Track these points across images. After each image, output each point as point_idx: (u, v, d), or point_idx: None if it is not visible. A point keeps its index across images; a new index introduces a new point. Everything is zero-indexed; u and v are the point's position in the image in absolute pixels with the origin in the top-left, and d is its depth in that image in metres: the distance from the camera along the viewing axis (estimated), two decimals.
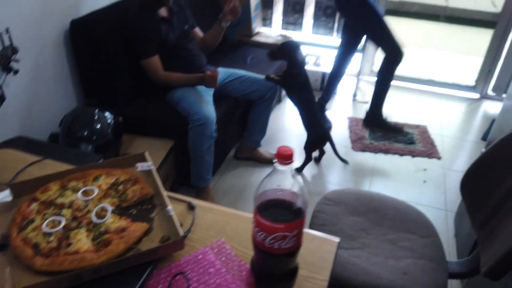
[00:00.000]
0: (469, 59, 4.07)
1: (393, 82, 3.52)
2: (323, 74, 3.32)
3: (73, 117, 1.72)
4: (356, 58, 3.23)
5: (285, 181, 0.70)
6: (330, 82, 2.86)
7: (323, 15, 3.09)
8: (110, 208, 0.87)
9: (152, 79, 2.07)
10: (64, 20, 1.88)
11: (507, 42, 3.13)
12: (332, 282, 0.83)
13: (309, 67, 3.41)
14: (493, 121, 2.40)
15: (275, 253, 0.71)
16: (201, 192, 2.06)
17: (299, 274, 0.80)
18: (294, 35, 3.18)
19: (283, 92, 3.18)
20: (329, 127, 2.77)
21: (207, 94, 2.10)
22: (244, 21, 2.95)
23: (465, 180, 1.26)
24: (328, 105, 2.93)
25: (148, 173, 1.04)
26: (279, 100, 3.17)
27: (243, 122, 2.44)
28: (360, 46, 3.06)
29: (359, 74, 3.20)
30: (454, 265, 1.23)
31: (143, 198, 0.95)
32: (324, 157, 2.57)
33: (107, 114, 1.80)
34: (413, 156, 2.63)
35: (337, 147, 2.52)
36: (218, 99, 2.18)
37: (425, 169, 2.51)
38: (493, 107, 3.23)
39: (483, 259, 1.06)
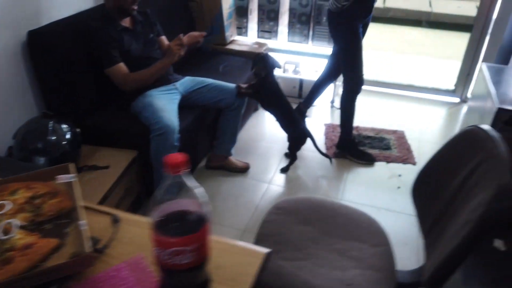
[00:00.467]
0: (451, 64, 4.05)
1: (373, 88, 3.55)
2: (301, 81, 3.30)
3: (27, 130, 1.69)
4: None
5: (182, 191, 0.67)
6: (315, 89, 2.81)
7: (298, 22, 3.07)
8: (17, 224, 0.83)
9: (121, 86, 2.02)
10: (21, 31, 1.86)
11: (484, 46, 3.11)
12: None
13: (288, 74, 3.41)
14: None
15: (174, 269, 0.67)
16: None
17: None
18: (270, 43, 3.17)
19: None
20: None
21: (172, 102, 2.06)
22: (217, 30, 2.93)
23: (415, 185, 1.22)
24: (308, 112, 2.89)
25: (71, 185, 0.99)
26: (256, 109, 3.14)
27: (214, 131, 2.40)
28: None
29: (336, 80, 3.17)
30: (404, 274, 1.19)
31: (61, 212, 0.91)
32: (298, 164, 2.54)
33: (64, 125, 1.77)
34: (388, 162, 2.60)
35: (313, 154, 2.50)
36: (185, 108, 2.15)
37: (399, 175, 2.47)
38: None
39: (426, 268, 1.02)
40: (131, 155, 1.98)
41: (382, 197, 2.30)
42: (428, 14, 5.77)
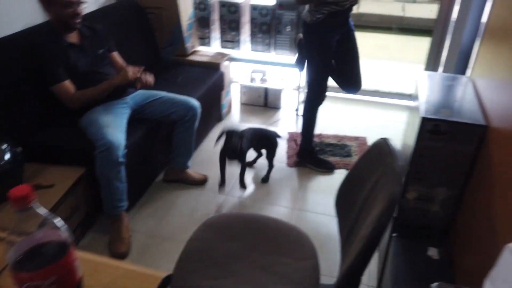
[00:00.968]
0: (418, 68, 4.08)
1: (339, 95, 3.56)
2: (266, 90, 3.31)
3: None
4: (294, 73, 3.24)
5: (36, 223, 0.65)
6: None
7: (259, 32, 3.08)
8: None
9: (66, 104, 2.01)
10: None
11: (445, 49, 3.14)
12: None
13: (255, 83, 3.41)
14: None
15: None
16: (116, 221, 1.99)
17: None
18: (233, 53, 3.17)
19: (224, 109, 3.15)
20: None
21: (120, 117, 2.05)
22: (177, 41, 2.93)
23: (336, 197, 1.22)
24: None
25: None
26: (220, 119, 3.13)
27: (170, 144, 2.38)
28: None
29: (299, 88, 3.18)
30: None
31: None
32: (258, 174, 2.53)
33: (3, 144, 1.74)
34: (348, 169, 2.58)
35: (274, 162, 2.49)
36: (136, 122, 2.14)
37: None
38: None
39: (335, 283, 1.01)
40: (78, 172, 1.96)
41: None
42: (401, 18, 5.83)
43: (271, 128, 2.69)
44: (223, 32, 3.16)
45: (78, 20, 1.98)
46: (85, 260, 0.90)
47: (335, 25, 2.24)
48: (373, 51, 5.17)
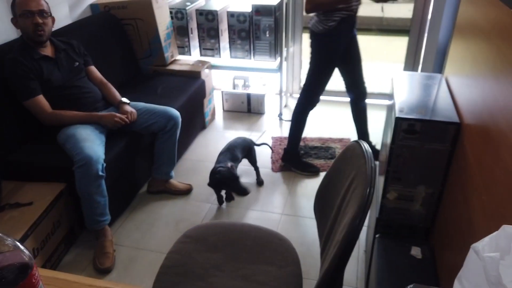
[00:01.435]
0: (398, 68, 4.12)
1: (322, 98, 3.57)
2: (248, 96, 3.31)
3: None
4: (275, 78, 3.25)
5: None
6: (356, 117, 2.72)
7: (238, 38, 3.08)
8: None
9: (40, 120, 1.99)
10: None
11: (422, 48, 3.18)
12: None
13: (238, 90, 3.40)
14: None
15: None
16: (99, 236, 1.96)
17: None
18: (213, 60, 3.16)
19: (208, 117, 3.14)
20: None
21: (98, 131, 2.02)
22: (156, 52, 2.91)
23: (315, 201, 1.21)
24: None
25: None
26: (204, 127, 3.12)
27: (152, 155, 2.36)
28: (276, 65, 3.07)
29: (281, 92, 3.18)
30: None
31: None
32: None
33: None
34: None
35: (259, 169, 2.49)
36: (116, 134, 2.11)
37: None
38: None
39: None
40: (58, 188, 1.93)
41: None
42: (380, 19, 5.90)
43: (248, 135, 2.69)
44: (202, 40, 3.16)
45: (40, 32, 1.93)
46: (57, 279, 0.88)
47: (346, 30, 2.23)
48: None
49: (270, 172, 2.61)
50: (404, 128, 1.31)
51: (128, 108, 2.15)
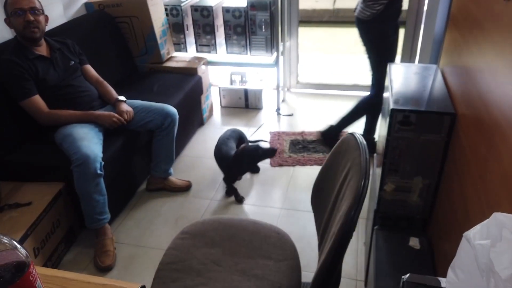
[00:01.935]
0: (397, 60, 4.11)
1: (319, 91, 3.58)
2: (246, 91, 3.30)
3: None
4: (272, 73, 3.24)
5: None
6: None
7: (234, 34, 3.07)
8: None
9: (37, 120, 1.99)
10: None
11: (419, 40, 3.17)
12: None
13: (235, 85, 3.40)
14: None
15: None
16: (99, 234, 1.97)
17: None
18: (209, 56, 3.15)
19: (205, 114, 3.14)
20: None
21: (96, 129, 2.02)
22: (151, 49, 2.91)
23: (312, 194, 1.22)
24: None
25: None
26: (202, 123, 3.12)
27: (150, 153, 2.36)
28: (272, 60, 3.07)
29: (278, 87, 3.18)
30: (308, 286, 1.17)
31: None
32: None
33: None
34: None
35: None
36: (114, 133, 2.11)
37: None
38: None
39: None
40: (56, 188, 1.93)
41: None
42: None
43: (246, 131, 2.71)
44: (198, 36, 3.15)
45: (33, 30, 1.93)
46: (55, 277, 0.89)
47: (392, 14, 2.15)
48: (350, 46, 5.20)
49: (268, 167, 2.62)
50: (400, 120, 1.31)
51: (125, 107, 2.15)
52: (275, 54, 3.08)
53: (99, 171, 1.84)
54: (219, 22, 3.10)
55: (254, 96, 3.31)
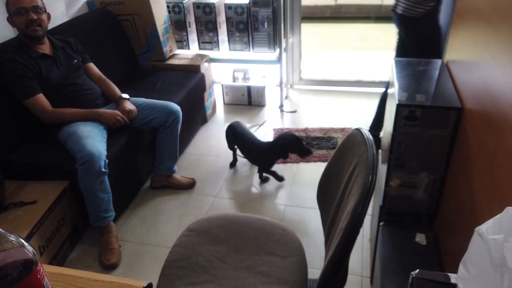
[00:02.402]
0: None
1: (322, 88, 3.57)
2: (249, 88, 3.29)
3: None
4: (275, 69, 3.23)
5: None
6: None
7: (236, 31, 3.06)
8: None
9: (40, 119, 1.99)
10: None
11: None
12: None
13: (238, 82, 3.39)
14: None
15: None
16: (104, 232, 1.97)
17: None
18: (212, 54, 3.14)
19: (209, 111, 3.13)
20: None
21: (99, 127, 2.02)
22: (154, 47, 2.90)
23: (318, 190, 1.21)
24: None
25: None
26: (205, 121, 3.11)
27: (154, 151, 2.36)
28: (275, 57, 3.06)
29: (281, 84, 3.17)
30: (315, 283, 1.17)
31: None
32: (244, 174, 2.52)
33: None
34: None
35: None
36: (118, 131, 2.10)
37: None
38: None
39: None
40: (61, 186, 1.93)
41: None
42: (379, 7, 5.85)
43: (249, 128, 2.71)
44: (200, 33, 3.14)
45: (36, 28, 1.92)
46: (62, 275, 0.88)
47: (440, 10, 2.04)
48: (353, 42, 5.18)
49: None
50: (405, 115, 1.30)
51: (128, 105, 2.14)
52: (278, 50, 3.07)
53: (103, 169, 1.84)
54: (221, 19, 3.09)
55: (257, 93, 3.30)
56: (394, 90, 1.44)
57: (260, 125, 3.02)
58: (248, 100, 3.34)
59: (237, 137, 2.44)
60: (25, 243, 0.66)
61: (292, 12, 3.26)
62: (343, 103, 3.32)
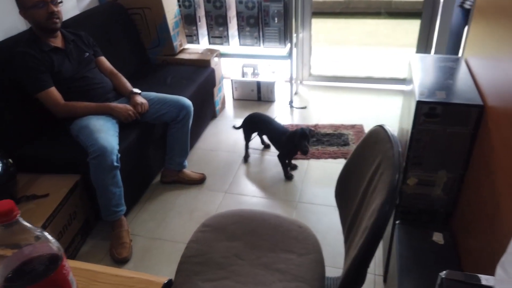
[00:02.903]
0: (409, 52, 4.06)
1: (332, 84, 3.54)
2: (258, 84, 3.27)
3: None
4: (284, 65, 3.21)
5: (24, 236, 0.62)
6: None
7: (247, 25, 3.03)
8: None
9: (53, 112, 1.98)
10: None
11: (435, 31, 3.11)
12: None
13: (247, 78, 3.37)
14: None
15: None
16: (115, 226, 1.96)
17: None
18: (222, 48, 3.12)
19: (218, 106, 3.12)
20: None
21: (112, 121, 2.01)
22: (164, 41, 2.89)
23: (336, 187, 1.19)
24: None
25: None
26: (214, 116, 3.10)
27: (165, 145, 2.35)
28: (286, 52, 3.03)
29: (291, 80, 3.14)
30: (333, 281, 1.16)
31: None
32: (255, 169, 2.51)
33: None
34: (346, 158, 2.56)
35: (270, 157, 2.47)
36: (129, 125, 2.10)
37: None
38: None
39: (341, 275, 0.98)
40: (72, 180, 1.93)
41: None
42: (389, 3, 5.79)
43: None
44: (210, 28, 3.12)
45: (56, 20, 1.92)
46: (83, 270, 0.88)
47: None
48: (362, 37, 5.14)
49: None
50: (425, 112, 1.28)
51: (139, 99, 2.13)
52: (288, 46, 3.04)
53: (115, 163, 1.83)
54: (231, 14, 3.06)
55: (267, 88, 3.28)
56: (412, 87, 1.42)
57: None
58: (258, 95, 3.32)
59: (259, 125, 2.49)
60: (50, 238, 0.65)
61: (303, 7, 3.23)
62: (353, 100, 3.30)
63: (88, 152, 1.83)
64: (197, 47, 3.14)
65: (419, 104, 1.28)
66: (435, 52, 3.13)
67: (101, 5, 2.79)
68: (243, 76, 3.44)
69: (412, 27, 5.37)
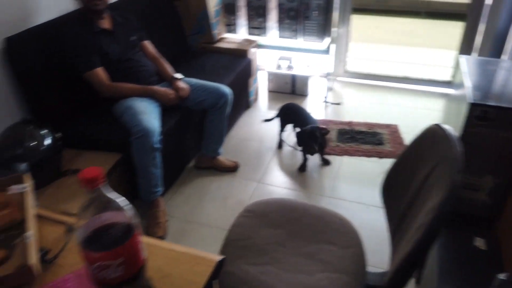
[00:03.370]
0: (448, 54, 3.97)
1: (367, 82, 3.50)
2: (293, 77, 3.27)
3: (4, 136, 1.69)
4: (320, 60, 3.19)
5: (105, 204, 0.66)
6: None
7: (286, 18, 3.03)
8: None
9: (99, 92, 2.04)
10: None
11: (479, 34, 3.03)
12: None
13: (282, 70, 3.37)
14: None
15: (106, 283, 0.66)
16: (152, 206, 2.02)
17: None
18: (260, 39, 3.13)
19: (252, 97, 3.14)
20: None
21: (153, 105, 2.06)
22: (204, 29, 2.91)
23: (383, 185, 1.20)
24: None
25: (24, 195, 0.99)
26: (248, 106, 3.12)
27: (202, 131, 2.39)
28: (325, 47, 3.01)
29: (328, 75, 3.13)
30: (373, 276, 1.17)
31: (11, 223, 0.91)
32: (289, 162, 2.52)
33: (43, 131, 1.77)
34: (381, 157, 2.56)
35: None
36: (169, 109, 2.14)
37: None
38: None
39: (389, 271, 0.99)
40: (114, 158, 1.98)
41: (372, 193, 2.26)
42: (427, 3, 5.66)
43: None
44: (250, 18, 3.13)
45: (97, 2, 1.96)
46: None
47: None
48: (399, 37, 5.04)
49: (315, 155, 2.59)
50: (477, 115, 1.27)
51: (181, 84, 2.17)
52: (326, 40, 3.02)
53: (157, 145, 1.88)
54: (272, 5, 3.06)
55: (301, 82, 3.27)
56: (464, 89, 1.40)
57: None
58: (292, 88, 3.32)
59: (292, 116, 2.51)
60: (126, 208, 0.68)
61: (344, 2, 3.19)
62: (388, 99, 3.26)
63: (131, 132, 1.88)
64: (234, 37, 3.16)
65: (472, 106, 1.26)
66: (479, 54, 3.06)
67: None
68: (277, 68, 3.44)
69: (449, 29, 5.25)
